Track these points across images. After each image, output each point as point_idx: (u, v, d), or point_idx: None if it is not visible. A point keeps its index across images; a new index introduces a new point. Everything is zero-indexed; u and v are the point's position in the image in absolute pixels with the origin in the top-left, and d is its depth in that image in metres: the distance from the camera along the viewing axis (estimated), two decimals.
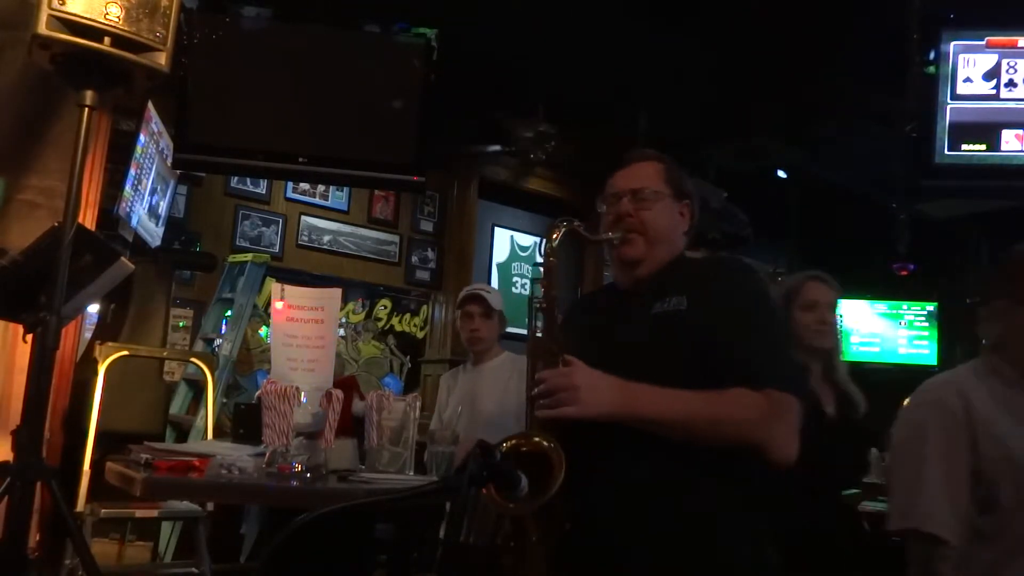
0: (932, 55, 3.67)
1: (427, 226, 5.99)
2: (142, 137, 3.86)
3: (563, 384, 1.36)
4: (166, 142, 4.18)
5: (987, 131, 3.61)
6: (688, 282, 1.51)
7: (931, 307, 7.18)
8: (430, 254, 5.99)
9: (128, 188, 3.76)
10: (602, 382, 1.38)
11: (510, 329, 3.24)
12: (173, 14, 2.15)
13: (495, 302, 3.07)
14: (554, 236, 1.51)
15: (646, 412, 1.37)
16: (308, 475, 2.00)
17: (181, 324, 4.95)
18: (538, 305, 1.50)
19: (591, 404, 1.35)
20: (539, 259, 1.54)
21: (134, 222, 3.92)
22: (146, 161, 3.99)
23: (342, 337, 5.76)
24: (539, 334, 1.49)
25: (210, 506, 3.54)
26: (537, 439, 1.35)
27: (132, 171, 3.79)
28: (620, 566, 1.39)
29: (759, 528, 1.45)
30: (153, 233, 4.34)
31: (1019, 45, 3.63)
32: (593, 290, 1.67)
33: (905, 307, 7.22)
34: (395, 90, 3.40)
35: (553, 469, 1.29)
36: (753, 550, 1.42)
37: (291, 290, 2.42)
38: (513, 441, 1.37)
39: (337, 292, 2.46)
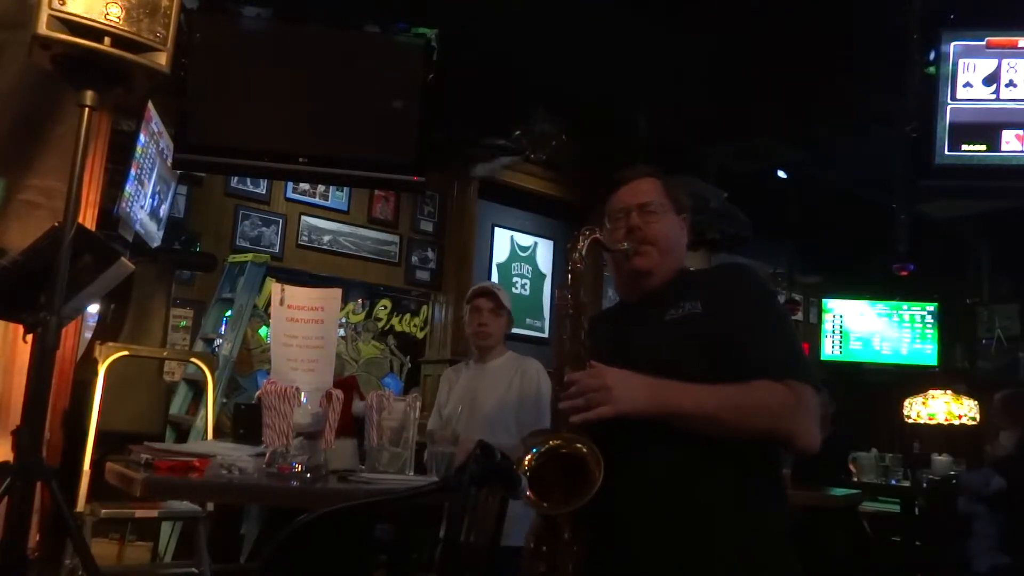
0: (932, 55, 3.67)
1: (427, 226, 5.99)
2: (142, 137, 3.85)
3: (595, 384, 1.38)
4: (166, 142, 4.18)
5: (987, 131, 3.61)
6: (700, 288, 1.55)
7: (931, 307, 7.19)
8: (430, 254, 5.99)
9: (128, 188, 3.76)
10: (633, 380, 1.40)
11: (513, 330, 3.23)
12: (173, 14, 2.15)
13: (505, 300, 3.07)
14: (580, 244, 1.54)
15: (678, 406, 1.39)
16: (308, 475, 2.00)
17: (181, 324, 4.95)
18: (565, 312, 1.51)
19: (625, 401, 1.37)
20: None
21: (134, 222, 3.92)
22: (146, 161, 3.99)
23: (342, 337, 5.76)
24: (566, 339, 1.50)
25: (210, 506, 3.53)
26: (578, 443, 1.35)
27: (132, 171, 3.79)
28: (649, 562, 1.41)
29: (783, 526, 1.48)
30: (153, 233, 4.34)
31: (1019, 45, 3.63)
32: (601, 311, 1.70)
33: (905, 307, 7.23)
34: (395, 90, 3.40)
35: (591, 473, 1.30)
36: (778, 548, 1.45)
37: (291, 290, 2.42)
38: (553, 442, 1.38)
39: (337, 292, 2.46)
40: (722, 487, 1.42)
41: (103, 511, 3.23)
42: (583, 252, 1.54)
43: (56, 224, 2.07)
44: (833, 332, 7.42)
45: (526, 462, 1.36)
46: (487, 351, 3.08)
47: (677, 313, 1.52)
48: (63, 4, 1.99)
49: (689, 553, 1.40)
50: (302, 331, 2.35)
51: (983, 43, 3.66)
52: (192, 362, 4.34)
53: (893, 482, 5.76)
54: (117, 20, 2.05)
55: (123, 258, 2.27)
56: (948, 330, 7.28)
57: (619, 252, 1.60)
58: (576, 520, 1.37)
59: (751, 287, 1.56)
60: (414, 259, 5.92)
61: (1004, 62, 3.63)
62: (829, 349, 7.40)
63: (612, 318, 1.76)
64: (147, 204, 4.12)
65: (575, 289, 1.52)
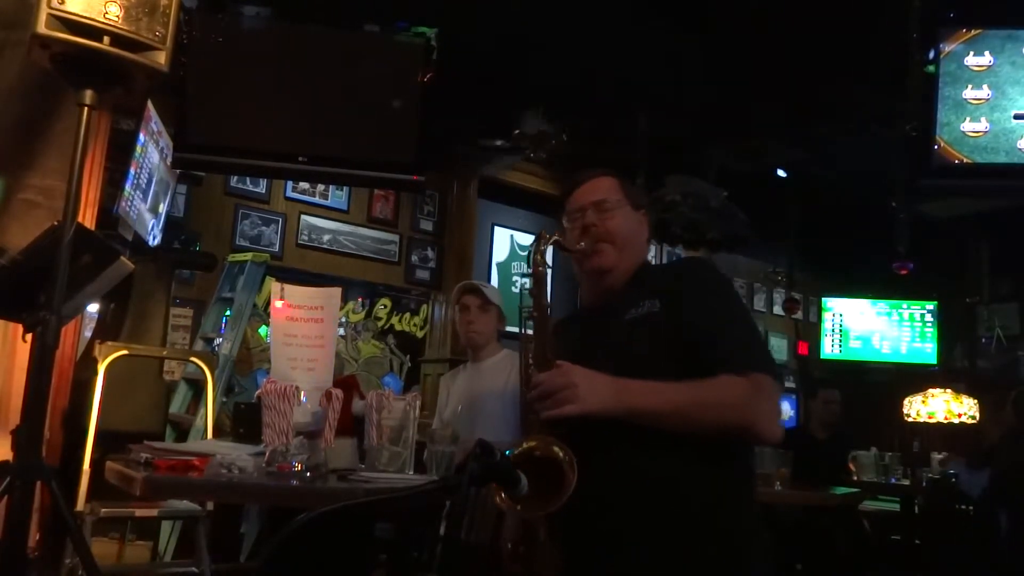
0: (932, 55, 3.67)
1: (427, 225, 5.99)
2: (142, 137, 3.86)
3: (562, 383, 1.39)
4: (166, 142, 4.18)
5: None
6: (657, 286, 1.57)
7: (931, 307, 7.19)
8: (430, 253, 5.99)
9: (128, 188, 3.76)
10: (598, 379, 1.42)
11: (509, 328, 3.23)
12: (173, 13, 2.15)
13: (492, 295, 3.06)
14: (541, 248, 1.58)
15: (641, 404, 1.41)
16: (308, 475, 2.00)
17: (181, 323, 4.95)
18: (528, 314, 1.54)
19: (590, 400, 1.38)
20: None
21: (134, 222, 3.92)
22: (146, 161, 3.99)
23: (342, 337, 5.76)
24: (531, 342, 1.53)
25: (210, 506, 3.53)
26: (553, 446, 1.36)
27: (132, 171, 3.79)
28: (621, 559, 1.42)
29: (752, 512, 1.51)
30: (153, 233, 4.34)
31: None
32: (564, 316, 1.74)
33: (905, 307, 7.23)
34: (395, 90, 3.39)
35: (565, 475, 1.31)
36: (750, 534, 1.48)
37: (291, 289, 2.42)
38: (526, 445, 1.38)
39: (337, 291, 2.46)
40: (689, 484, 1.44)
41: (103, 510, 3.23)
42: (544, 256, 1.57)
43: (56, 223, 2.07)
44: (833, 331, 7.42)
45: None
46: (480, 349, 3.08)
47: (637, 312, 1.54)
48: (62, 3, 1.98)
49: (658, 551, 1.41)
50: (302, 330, 2.35)
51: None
52: (192, 361, 4.34)
53: (893, 481, 5.75)
54: (116, 19, 2.04)
55: (123, 257, 2.27)
56: (948, 329, 7.28)
57: (577, 252, 1.62)
58: (550, 521, 1.37)
59: (707, 281, 1.58)
60: (414, 258, 5.92)
61: None
62: (829, 348, 7.40)
63: (575, 322, 1.77)
64: (146, 204, 4.11)
65: (539, 292, 1.56)
